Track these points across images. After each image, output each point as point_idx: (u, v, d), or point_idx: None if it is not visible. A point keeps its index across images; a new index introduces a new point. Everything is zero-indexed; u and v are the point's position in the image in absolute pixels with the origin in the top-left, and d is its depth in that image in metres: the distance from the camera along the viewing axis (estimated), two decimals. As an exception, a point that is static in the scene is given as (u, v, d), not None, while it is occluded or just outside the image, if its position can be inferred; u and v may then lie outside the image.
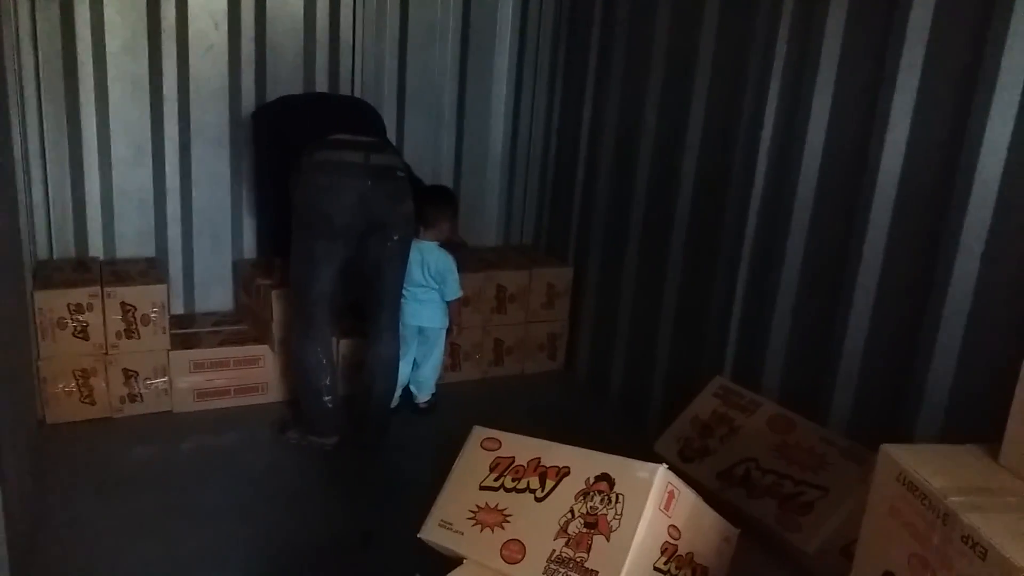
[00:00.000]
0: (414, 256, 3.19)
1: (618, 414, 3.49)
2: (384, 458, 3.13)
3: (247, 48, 3.51)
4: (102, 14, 3.27)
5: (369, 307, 3.12)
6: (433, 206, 3.28)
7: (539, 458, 1.55)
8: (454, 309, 3.39)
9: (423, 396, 3.47)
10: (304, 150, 2.88)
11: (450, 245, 3.39)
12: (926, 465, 1.05)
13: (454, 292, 3.32)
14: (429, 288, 3.30)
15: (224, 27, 3.45)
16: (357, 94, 3.75)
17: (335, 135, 2.91)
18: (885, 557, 1.10)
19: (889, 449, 1.10)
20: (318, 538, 2.61)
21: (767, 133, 2.74)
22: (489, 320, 3.78)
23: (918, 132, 2.23)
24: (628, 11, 3.44)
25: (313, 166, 2.85)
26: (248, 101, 3.55)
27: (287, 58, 3.59)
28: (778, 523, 1.64)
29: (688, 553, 1.42)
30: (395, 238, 2.98)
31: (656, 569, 1.36)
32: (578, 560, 1.35)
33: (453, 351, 3.72)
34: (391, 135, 3.88)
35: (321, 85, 3.67)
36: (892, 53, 2.26)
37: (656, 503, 1.35)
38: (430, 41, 3.88)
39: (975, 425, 1.29)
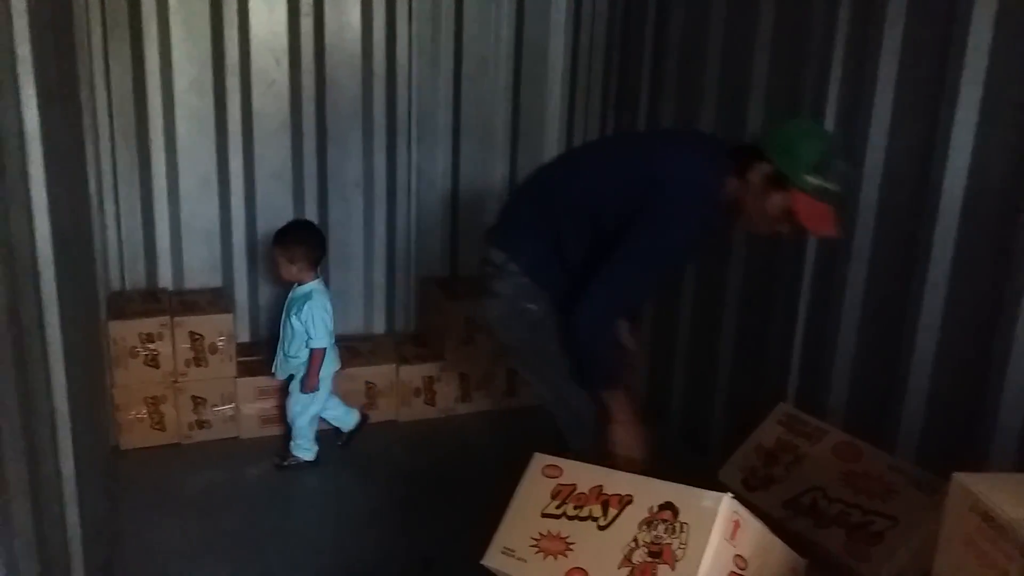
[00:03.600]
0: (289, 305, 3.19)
1: (678, 441, 3.45)
2: (444, 484, 3.16)
3: (307, 83, 3.61)
4: (170, 54, 3.41)
5: None
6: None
7: (601, 486, 1.55)
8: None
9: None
10: None
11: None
12: (1001, 495, 1.03)
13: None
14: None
15: (285, 64, 3.57)
16: (413, 124, 3.81)
17: None
18: (961, 590, 1.07)
19: (962, 478, 1.08)
20: (380, 564, 2.65)
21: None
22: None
23: (982, 145, 2.18)
24: (679, 38, 3.45)
25: None
26: (309, 134, 3.66)
27: (346, 92, 3.68)
28: (847, 553, 1.61)
29: (755, 583, 1.40)
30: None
31: (722, 599, 1.35)
32: (643, 589, 1.35)
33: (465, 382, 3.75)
34: (445, 163, 3.96)
35: (379, 118, 3.76)
36: (953, 65, 2.22)
37: (722, 532, 1.34)
38: (483, 72, 3.94)
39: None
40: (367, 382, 3.56)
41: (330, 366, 3.21)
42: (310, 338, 3.11)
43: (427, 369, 3.67)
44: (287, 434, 3.27)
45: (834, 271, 2.64)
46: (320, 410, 3.24)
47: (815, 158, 2.03)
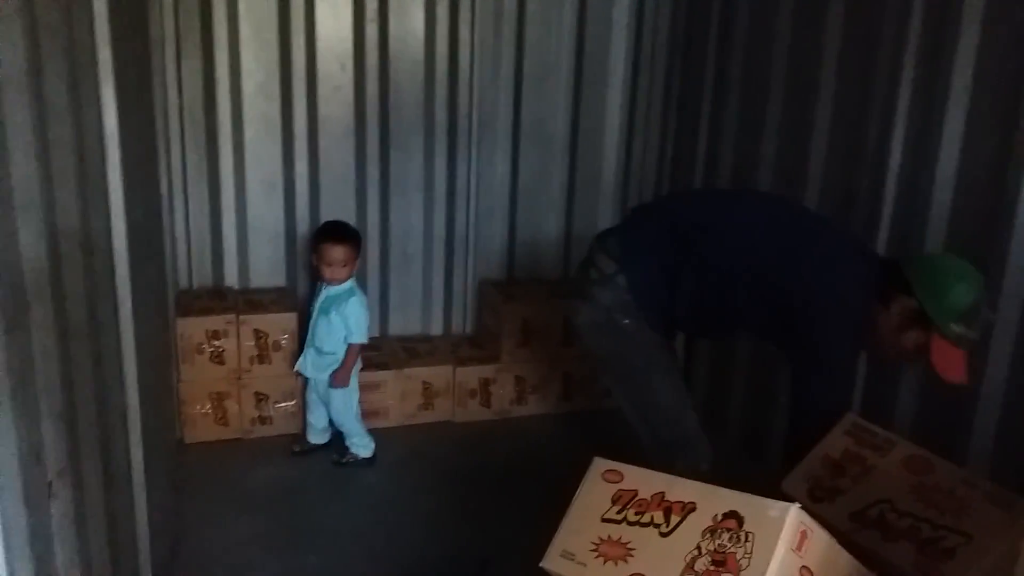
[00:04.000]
0: (322, 305, 3.21)
1: (737, 449, 3.40)
2: (501, 485, 3.16)
3: (371, 88, 3.66)
4: (239, 59, 3.49)
5: None
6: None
7: (663, 492, 1.54)
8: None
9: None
10: None
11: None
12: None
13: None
14: None
15: (350, 69, 3.63)
16: (474, 128, 3.83)
17: None
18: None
19: (1047, 495, 1.04)
20: (436, 563, 2.67)
21: (894, 162, 2.65)
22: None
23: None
24: (744, 41, 3.40)
25: None
26: (372, 138, 3.71)
27: (409, 96, 3.72)
28: (917, 569, 1.56)
29: (821, 596, 1.37)
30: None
31: (787, 611, 1.32)
32: (706, 598, 1.33)
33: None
34: (504, 167, 3.98)
35: (440, 122, 3.79)
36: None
37: (788, 543, 1.31)
38: (544, 76, 3.94)
39: None
40: (424, 382, 3.59)
41: (359, 363, 3.28)
42: (350, 333, 3.16)
43: (483, 371, 3.69)
44: (339, 434, 3.32)
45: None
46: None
47: (965, 307, 1.95)
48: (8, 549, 1.21)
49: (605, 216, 4.20)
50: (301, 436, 3.34)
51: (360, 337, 3.18)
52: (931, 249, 2.48)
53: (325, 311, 3.18)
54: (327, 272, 3.15)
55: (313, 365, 3.23)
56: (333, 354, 3.19)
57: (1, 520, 1.18)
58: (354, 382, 3.24)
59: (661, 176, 4.08)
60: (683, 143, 3.88)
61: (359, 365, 3.29)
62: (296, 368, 3.28)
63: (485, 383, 3.68)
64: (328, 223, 3.36)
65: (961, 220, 2.44)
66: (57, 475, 1.49)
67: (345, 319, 3.15)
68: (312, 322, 3.22)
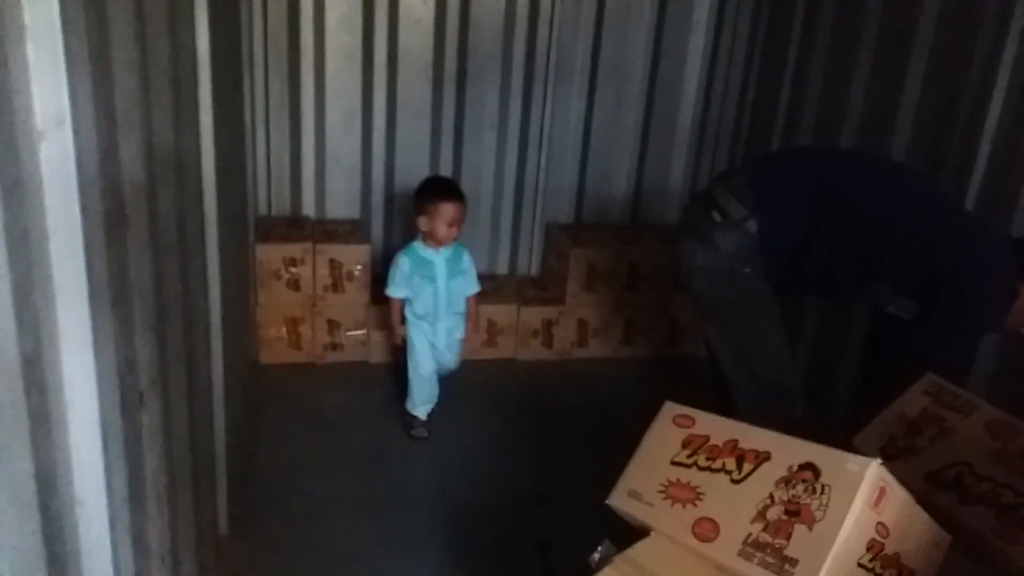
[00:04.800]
0: (434, 271, 2.98)
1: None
2: (562, 424, 3.20)
3: (451, 22, 3.63)
4: (322, -11, 3.49)
5: None
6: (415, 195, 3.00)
7: (736, 440, 1.53)
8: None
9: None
10: None
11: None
12: None
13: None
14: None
15: (432, 2, 3.59)
16: (551, 68, 3.77)
17: None
18: None
19: None
20: (500, 492, 2.74)
21: (992, 120, 2.52)
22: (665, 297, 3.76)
23: None
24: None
25: None
26: (450, 73, 3.68)
27: (488, 32, 3.68)
28: (995, 534, 1.53)
29: (895, 553, 1.35)
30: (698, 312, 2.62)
31: (860, 565, 1.31)
32: (777, 546, 1.32)
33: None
34: (579, 109, 3.90)
35: (518, 60, 3.74)
36: None
37: (866, 498, 1.29)
38: (626, 17, 3.84)
39: None
40: (489, 320, 3.63)
41: None
42: (472, 284, 3.08)
43: (547, 312, 3.71)
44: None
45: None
46: None
47: None
48: (107, 452, 1.28)
49: (678, 164, 4.13)
50: (414, 419, 3.07)
51: (478, 284, 3.10)
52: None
53: (443, 277, 2.97)
54: (447, 233, 2.87)
55: (450, 334, 3.06)
56: (460, 312, 3.08)
57: (100, 426, 1.24)
58: None
59: (739, 126, 3.97)
60: (765, 91, 3.75)
61: None
62: (431, 364, 3.03)
63: (548, 324, 3.70)
64: (436, 180, 3.14)
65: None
66: (149, 385, 1.56)
67: (467, 273, 3.04)
68: (430, 293, 2.97)
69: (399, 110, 3.69)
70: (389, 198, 3.81)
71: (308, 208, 3.74)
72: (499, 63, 3.73)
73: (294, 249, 3.33)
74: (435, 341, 3.02)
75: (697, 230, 2.33)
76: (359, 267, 3.39)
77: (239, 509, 2.47)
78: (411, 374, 3.03)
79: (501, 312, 3.66)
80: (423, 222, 2.87)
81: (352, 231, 3.57)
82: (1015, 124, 2.46)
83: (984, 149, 2.55)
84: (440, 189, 2.93)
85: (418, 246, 2.97)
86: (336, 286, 3.39)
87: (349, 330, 3.46)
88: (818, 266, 2.28)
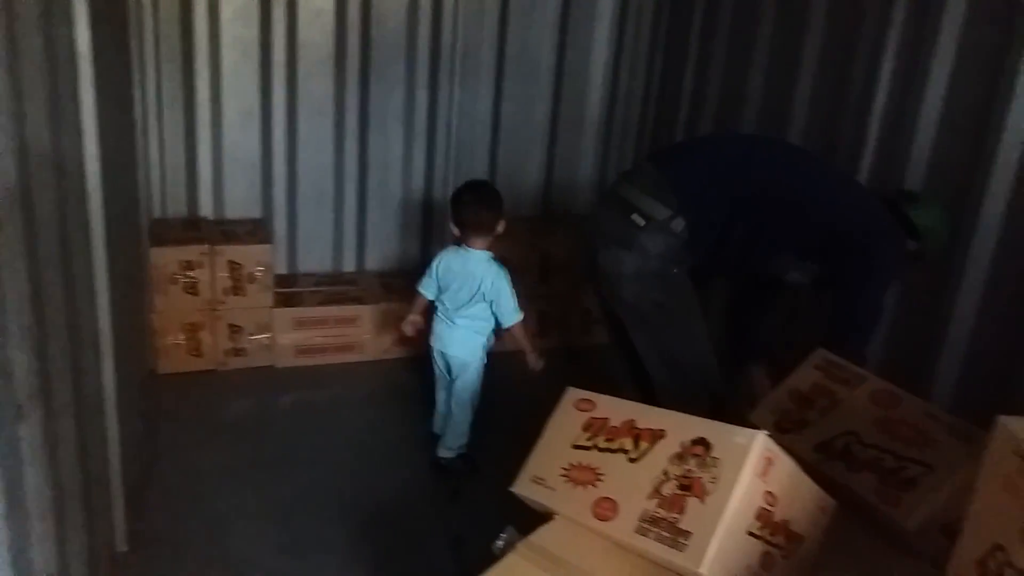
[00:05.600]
0: (466, 268, 2.68)
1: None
2: (474, 420, 3.19)
3: (353, 13, 3.56)
4: (216, -21, 3.38)
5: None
6: (488, 206, 2.66)
7: (633, 420, 1.56)
8: (519, 334, 2.76)
9: (445, 449, 2.83)
10: None
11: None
12: (1046, 438, 1.01)
13: (513, 313, 2.69)
14: (472, 308, 2.71)
15: (332, -6, 3.52)
16: (457, 60, 3.75)
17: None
18: (996, 530, 1.06)
19: (1007, 421, 1.06)
20: (408, 491, 2.71)
21: (879, 104, 2.64)
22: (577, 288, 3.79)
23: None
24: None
25: None
26: (352, 67, 3.62)
27: (391, 24, 3.63)
28: (878, 497, 1.60)
29: (783, 520, 1.40)
30: (619, 309, 2.46)
31: (750, 533, 1.35)
32: (671, 520, 1.36)
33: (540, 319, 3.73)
34: (487, 101, 3.90)
35: (423, 52, 3.70)
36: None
37: (754, 468, 1.34)
38: (531, 8, 3.85)
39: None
40: (400, 317, 3.54)
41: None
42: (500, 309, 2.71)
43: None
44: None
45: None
46: None
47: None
48: (-23, 466, 1.21)
49: (588, 155, 4.18)
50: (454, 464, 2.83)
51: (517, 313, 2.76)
52: (911, 175, 2.53)
53: (475, 283, 2.74)
54: (482, 240, 2.69)
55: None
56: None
57: (-29, 436, 1.17)
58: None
59: (645, 117, 4.04)
60: (669, 81, 3.84)
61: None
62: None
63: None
64: (493, 189, 2.84)
65: (941, 165, 2.45)
66: (28, 398, 1.48)
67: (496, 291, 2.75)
68: (455, 290, 2.75)
69: (300, 105, 3.61)
70: (292, 195, 3.72)
71: (206, 209, 3.62)
72: (403, 56, 3.69)
73: (191, 252, 3.22)
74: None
75: (620, 236, 2.27)
76: (260, 268, 3.30)
77: (138, 524, 2.38)
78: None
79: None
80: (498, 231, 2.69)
81: (253, 231, 3.48)
82: (899, 108, 2.58)
83: (872, 132, 2.66)
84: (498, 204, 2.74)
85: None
86: (237, 289, 3.29)
87: (252, 334, 3.37)
88: (736, 249, 2.34)
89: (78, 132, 1.92)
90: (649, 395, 2.44)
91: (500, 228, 2.68)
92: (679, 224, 2.22)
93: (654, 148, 2.44)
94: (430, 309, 2.85)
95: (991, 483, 1.08)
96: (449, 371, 2.82)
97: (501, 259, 2.75)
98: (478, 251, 2.68)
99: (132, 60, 2.94)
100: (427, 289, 2.80)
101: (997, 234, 2.25)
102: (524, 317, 2.75)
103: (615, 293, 2.38)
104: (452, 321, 2.75)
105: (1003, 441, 1.06)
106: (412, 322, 2.86)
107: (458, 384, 2.78)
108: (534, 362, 2.78)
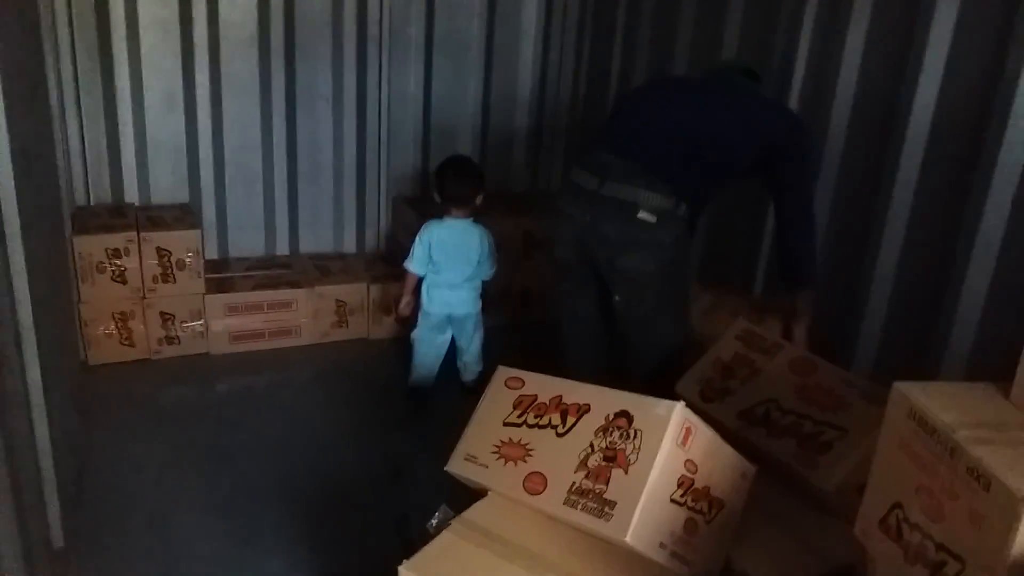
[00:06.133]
0: (462, 238, 2.96)
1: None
2: (416, 402, 3.21)
3: (276, -7, 3.50)
4: (131, -42, 3.28)
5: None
6: (468, 182, 2.96)
7: (560, 396, 1.59)
8: (492, 288, 3.15)
9: (471, 376, 3.25)
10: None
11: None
12: (937, 401, 1.07)
13: (493, 266, 3.07)
14: (474, 269, 3.02)
15: (253, -29, 3.45)
16: (385, 35, 3.71)
17: (604, 144, 2.37)
18: (894, 489, 1.13)
19: (901, 387, 1.12)
20: (351, 474, 2.71)
21: (799, 75, 2.71)
22: (516, 267, 3.81)
23: (952, 74, 2.19)
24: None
25: (563, 182, 2.46)
26: (277, 47, 3.56)
27: (316, 2, 3.57)
28: (797, 461, 1.67)
29: (704, 487, 1.46)
30: (616, 298, 2.37)
31: (673, 501, 1.40)
32: (597, 491, 1.40)
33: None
34: (417, 79, 3.87)
35: (349, 31, 3.66)
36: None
37: (673, 438, 1.39)
38: (458, -16, 3.84)
39: (1004, 368, 1.30)
40: (337, 300, 3.57)
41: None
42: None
43: (398, 288, 3.67)
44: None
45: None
46: None
47: None
48: None
49: (520, 132, 4.18)
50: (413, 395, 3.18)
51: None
52: (830, 148, 2.60)
53: (466, 249, 3.04)
54: (468, 208, 2.98)
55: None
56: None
57: None
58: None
59: (576, 94, 4.06)
60: (597, 61, 3.86)
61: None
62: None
63: (399, 301, 3.68)
64: (472, 163, 3.13)
65: (857, 135, 2.53)
66: (-58, 394, 1.44)
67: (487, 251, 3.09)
68: (455, 259, 3.02)
69: (224, 86, 3.54)
70: (220, 178, 3.65)
71: (131, 195, 3.53)
72: (329, 33, 3.64)
73: (117, 239, 3.14)
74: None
75: (634, 238, 2.23)
76: (190, 254, 3.24)
77: (75, 520, 2.33)
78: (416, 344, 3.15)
79: (350, 291, 3.60)
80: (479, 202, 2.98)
81: (181, 216, 3.41)
82: (816, 88, 2.65)
83: (794, 104, 2.73)
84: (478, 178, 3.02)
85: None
86: (166, 276, 3.23)
87: (185, 322, 3.31)
88: (709, 202, 2.43)
89: (-16, 119, 1.85)
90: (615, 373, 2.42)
91: (479, 201, 2.97)
92: (682, 208, 2.24)
93: (595, 137, 2.38)
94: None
95: (889, 445, 1.14)
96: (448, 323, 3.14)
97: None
98: (464, 219, 2.97)
99: (44, 44, 2.84)
100: (419, 266, 3.01)
101: (912, 197, 2.33)
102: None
103: (639, 294, 2.33)
104: (457, 286, 3.03)
105: (898, 405, 1.12)
106: (408, 303, 3.10)
107: (469, 328, 3.14)
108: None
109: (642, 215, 2.19)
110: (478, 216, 3.03)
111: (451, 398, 3.08)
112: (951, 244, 2.15)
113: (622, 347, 2.49)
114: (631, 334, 2.43)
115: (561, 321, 2.60)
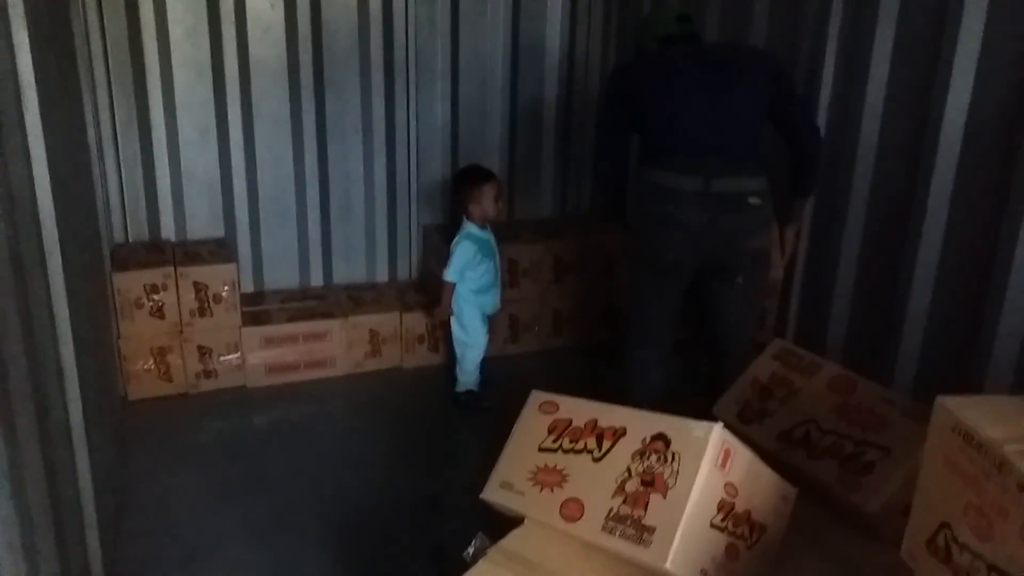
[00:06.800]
0: (489, 244, 3.26)
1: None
2: (448, 428, 3.20)
3: (303, 27, 3.57)
4: (164, 2, 3.36)
5: (711, 354, 2.70)
6: (497, 183, 3.25)
7: (596, 420, 1.57)
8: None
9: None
10: (644, 152, 2.54)
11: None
12: (982, 416, 1.04)
13: (447, 274, 3.23)
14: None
15: (280, 8, 3.52)
16: (411, 66, 3.76)
17: (675, 144, 2.45)
18: (942, 509, 1.09)
19: (945, 401, 1.09)
20: (387, 504, 2.71)
21: (826, 85, 2.69)
22: (547, 290, 3.81)
23: (984, 80, 2.16)
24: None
25: (645, 189, 2.47)
26: (306, 80, 3.63)
27: (342, 36, 3.64)
28: (839, 483, 1.63)
29: (745, 511, 1.43)
30: (739, 280, 2.51)
31: (713, 526, 1.37)
32: (636, 517, 1.37)
33: (512, 323, 3.76)
34: (444, 107, 3.91)
35: (376, 62, 3.71)
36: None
37: (712, 461, 1.36)
38: (481, 10, 3.88)
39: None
40: (371, 330, 3.59)
41: None
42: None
43: (429, 317, 3.69)
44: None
45: (835, 204, 2.64)
46: None
47: None
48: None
49: (548, 153, 4.19)
50: (473, 393, 3.38)
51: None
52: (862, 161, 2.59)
53: (493, 254, 3.30)
54: (497, 208, 3.23)
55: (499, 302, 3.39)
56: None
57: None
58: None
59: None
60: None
61: None
62: (494, 307, 3.37)
63: (433, 328, 3.70)
64: (468, 169, 3.38)
65: (888, 144, 2.49)
66: (-14, 430, 1.47)
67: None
68: (489, 265, 3.29)
69: (256, 121, 3.61)
70: (254, 212, 3.71)
71: (168, 231, 3.60)
72: (357, 65, 3.70)
73: (155, 275, 3.20)
74: (491, 310, 3.35)
75: (752, 223, 2.42)
76: (226, 288, 3.29)
77: (115, 553, 2.36)
78: (466, 350, 3.33)
79: (383, 321, 3.62)
80: (475, 208, 3.20)
81: (216, 251, 3.47)
82: (843, 96, 2.63)
83: (824, 104, 2.71)
84: (477, 174, 3.26)
85: (472, 228, 3.23)
86: (203, 310, 3.28)
87: (222, 355, 3.35)
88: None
89: (27, 161, 1.90)
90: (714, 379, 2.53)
91: (467, 204, 3.24)
92: (767, 180, 2.42)
93: (652, 141, 2.45)
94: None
95: (934, 462, 1.11)
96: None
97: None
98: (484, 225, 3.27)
99: (82, 84, 2.92)
100: (457, 276, 3.23)
101: (947, 210, 2.29)
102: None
103: (762, 271, 2.57)
104: (496, 285, 3.33)
105: (942, 420, 1.09)
106: (450, 311, 3.31)
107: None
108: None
109: (752, 200, 2.38)
110: (464, 222, 3.27)
111: (485, 425, 3.07)
112: (990, 253, 2.11)
113: (711, 336, 2.66)
114: (737, 312, 2.57)
115: (643, 313, 2.63)
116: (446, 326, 3.39)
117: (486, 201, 3.18)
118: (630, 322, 2.67)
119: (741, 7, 3.03)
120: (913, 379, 2.38)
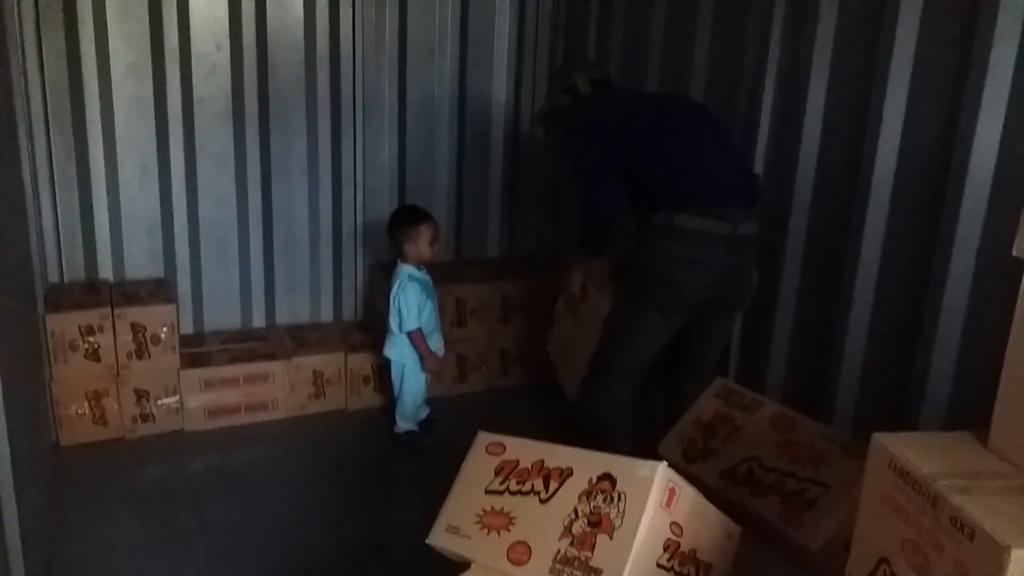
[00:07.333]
0: (427, 283, 3.21)
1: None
2: (393, 472, 3.16)
3: (249, 67, 3.55)
4: (106, 39, 3.31)
5: (675, 382, 2.77)
6: (430, 222, 3.18)
7: (542, 460, 1.57)
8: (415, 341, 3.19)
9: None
10: (658, 199, 2.49)
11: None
12: (916, 452, 1.07)
13: (407, 324, 3.14)
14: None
15: (226, 48, 3.50)
16: (358, 106, 3.77)
17: (699, 189, 2.47)
18: (879, 544, 1.11)
19: (880, 438, 1.12)
20: (331, 551, 2.64)
21: (763, 136, 2.78)
22: (495, 330, 3.81)
23: (912, 128, 2.26)
24: (623, 21, 3.50)
25: (670, 232, 2.42)
26: (252, 120, 3.60)
27: (289, 76, 3.63)
28: (781, 520, 1.66)
29: (691, 549, 1.43)
30: (736, 315, 2.75)
31: (659, 566, 1.38)
32: (583, 559, 1.37)
33: (460, 362, 3.75)
34: (391, 148, 3.92)
35: (323, 101, 3.71)
36: (884, 47, 2.28)
37: (657, 500, 1.37)
38: (429, 53, 3.91)
39: (978, 416, 1.31)
40: (315, 371, 3.53)
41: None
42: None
43: (376, 357, 3.65)
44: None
45: (771, 250, 2.71)
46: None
47: None
48: None
49: (495, 193, 4.22)
50: (414, 432, 3.34)
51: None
52: (797, 206, 2.66)
53: (431, 294, 3.24)
54: (431, 250, 3.18)
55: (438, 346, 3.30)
56: None
57: None
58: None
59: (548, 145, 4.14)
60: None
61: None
62: (438, 351, 3.29)
63: (379, 369, 3.65)
64: (405, 209, 3.37)
65: (823, 187, 2.58)
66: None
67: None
68: (432, 306, 3.23)
69: (199, 160, 3.55)
70: (195, 252, 3.64)
71: (105, 271, 3.50)
72: (303, 105, 3.68)
73: (90, 316, 3.10)
74: (437, 351, 3.27)
75: (756, 262, 2.55)
76: (165, 329, 3.20)
77: (44, 606, 2.25)
78: (407, 391, 3.26)
79: (328, 362, 3.57)
80: (410, 248, 3.14)
81: (155, 291, 3.38)
82: (781, 140, 2.72)
83: (765, 120, 2.79)
84: (414, 214, 3.22)
85: (410, 270, 3.17)
86: (141, 352, 3.18)
87: (160, 399, 3.25)
88: None
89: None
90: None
91: (403, 245, 3.19)
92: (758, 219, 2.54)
93: (682, 185, 2.50)
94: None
95: (871, 498, 1.14)
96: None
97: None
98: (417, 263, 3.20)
99: (17, 120, 2.85)
100: (417, 321, 3.17)
101: (880, 253, 2.37)
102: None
103: (748, 303, 2.67)
104: (438, 328, 3.31)
105: (879, 457, 1.12)
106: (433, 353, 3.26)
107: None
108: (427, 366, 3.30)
109: (751, 242, 2.49)
110: (399, 265, 3.22)
111: (435, 467, 3.03)
112: (922, 293, 2.19)
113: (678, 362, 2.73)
114: (722, 342, 2.74)
115: (633, 350, 2.60)
116: (390, 367, 3.30)
117: (422, 242, 3.13)
118: (612, 358, 2.62)
119: (681, 60, 3.13)
120: (852, 416, 2.43)
